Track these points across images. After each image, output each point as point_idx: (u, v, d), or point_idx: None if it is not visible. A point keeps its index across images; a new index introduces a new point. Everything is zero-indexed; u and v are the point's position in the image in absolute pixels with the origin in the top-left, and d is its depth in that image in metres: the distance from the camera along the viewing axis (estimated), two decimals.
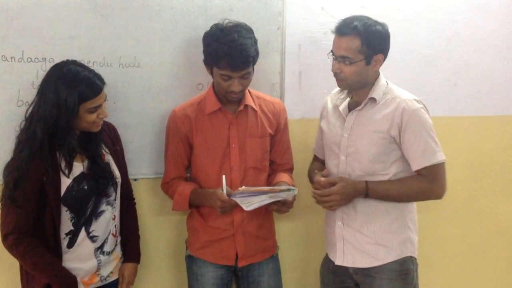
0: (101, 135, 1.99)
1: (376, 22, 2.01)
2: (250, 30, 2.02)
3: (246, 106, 2.12)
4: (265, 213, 2.17)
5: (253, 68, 2.04)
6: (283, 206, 2.05)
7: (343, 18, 2.04)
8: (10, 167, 1.85)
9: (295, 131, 2.32)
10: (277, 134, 2.20)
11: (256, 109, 2.14)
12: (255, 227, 2.16)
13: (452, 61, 2.67)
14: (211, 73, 2.05)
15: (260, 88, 2.25)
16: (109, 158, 2.01)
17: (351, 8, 2.43)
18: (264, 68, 2.13)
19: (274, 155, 2.22)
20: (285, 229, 2.49)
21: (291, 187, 2.01)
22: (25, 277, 1.94)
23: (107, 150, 2.02)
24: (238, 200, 1.97)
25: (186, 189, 2.11)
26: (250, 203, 1.98)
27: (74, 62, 1.89)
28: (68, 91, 1.79)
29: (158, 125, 2.27)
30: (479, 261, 2.92)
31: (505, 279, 2.98)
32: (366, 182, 2.01)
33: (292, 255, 2.57)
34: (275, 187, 2.02)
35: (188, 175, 2.23)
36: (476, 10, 2.65)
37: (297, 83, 2.47)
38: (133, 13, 2.16)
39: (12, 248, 1.84)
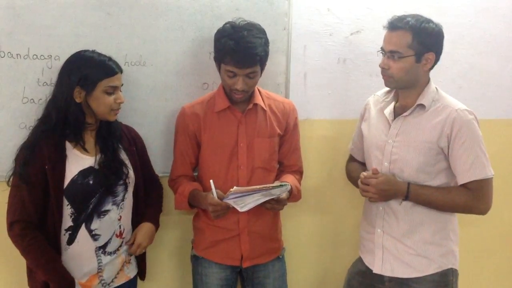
0: (119, 131, 1.99)
1: (430, 20, 1.95)
2: (262, 31, 2.02)
3: (255, 105, 2.11)
4: (271, 213, 2.16)
5: (261, 69, 2.04)
6: (277, 203, 2.02)
7: (396, 15, 1.98)
8: (21, 146, 1.87)
9: (300, 132, 2.31)
10: (286, 134, 2.19)
11: (266, 108, 2.13)
12: (261, 227, 2.15)
13: (457, 64, 2.67)
14: (219, 70, 2.05)
15: (265, 88, 2.24)
16: (124, 158, 2.00)
17: (357, 10, 2.44)
18: (269, 68, 2.13)
19: (282, 156, 2.21)
20: (292, 229, 2.48)
21: (283, 183, 1.98)
22: (29, 270, 1.93)
23: (122, 150, 2.01)
24: (231, 201, 1.94)
25: (186, 190, 2.11)
26: (244, 204, 1.95)
27: (92, 51, 1.93)
28: (84, 70, 1.84)
29: (163, 123, 2.27)
30: (483, 265, 2.92)
31: (509, 283, 2.97)
32: (409, 184, 1.95)
33: (299, 256, 2.56)
34: (266, 185, 1.99)
35: (196, 174, 2.22)
36: (481, 13, 2.65)
37: (302, 84, 2.47)
38: (139, 11, 2.16)
39: (16, 238, 1.84)
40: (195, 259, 2.22)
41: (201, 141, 2.12)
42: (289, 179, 2.14)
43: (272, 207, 2.04)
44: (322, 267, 2.39)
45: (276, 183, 2.01)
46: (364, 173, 2.01)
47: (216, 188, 1.97)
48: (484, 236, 2.89)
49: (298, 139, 2.26)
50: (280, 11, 2.34)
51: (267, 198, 1.98)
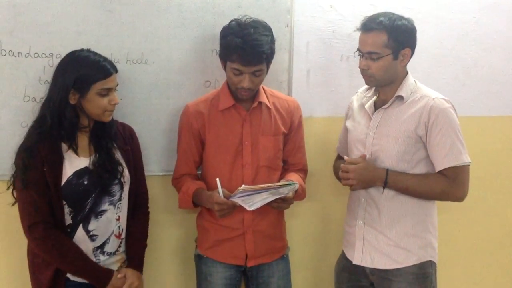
0: (114, 130, 1.97)
1: (402, 17, 1.99)
2: (268, 29, 2.01)
3: (260, 103, 2.10)
4: (276, 212, 2.15)
5: (267, 67, 2.03)
6: (283, 202, 2.02)
7: (368, 16, 2.02)
8: (19, 150, 1.85)
9: (303, 129, 2.30)
10: (290, 133, 2.18)
11: (270, 106, 2.12)
12: (266, 227, 2.13)
13: (461, 61, 2.66)
14: (225, 67, 2.03)
15: (267, 86, 2.22)
16: (119, 157, 1.99)
17: (360, 6, 2.43)
18: (272, 65, 2.11)
19: (286, 154, 2.19)
20: (297, 227, 2.47)
21: (291, 182, 1.98)
22: (32, 269, 1.93)
23: (117, 149, 1.99)
24: (239, 200, 1.93)
25: (190, 189, 2.09)
26: (252, 202, 1.95)
27: (87, 50, 1.91)
28: (78, 72, 1.81)
29: (165, 121, 2.25)
30: (487, 262, 2.91)
31: None
32: (387, 170, 1.99)
33: (304, 254, 2.55)
34: (275, 183, 1.99)
35: (199, 172, 2.21)
36: (485, 10, 2.64)
37: (305, 81, 2.45)
38: (140, 9, 2.15)
39: (38, 241, 1.82)
40: (199, 258, 2.20)
41: (205, 139, 2.11)
42: (294, 178, 2.12)
43: (279, 206, 2.03)
44: (327, 265, 2.38)
45: (284, 182, 2.00)
46: (346, 158, 2.05)
47: (221, 186, 1.96)
48: (486, 235, 2.88)
49: (302, 137, 2.24)
50: (282, 8, 2.33)
51: (275, 197, 1.97)
